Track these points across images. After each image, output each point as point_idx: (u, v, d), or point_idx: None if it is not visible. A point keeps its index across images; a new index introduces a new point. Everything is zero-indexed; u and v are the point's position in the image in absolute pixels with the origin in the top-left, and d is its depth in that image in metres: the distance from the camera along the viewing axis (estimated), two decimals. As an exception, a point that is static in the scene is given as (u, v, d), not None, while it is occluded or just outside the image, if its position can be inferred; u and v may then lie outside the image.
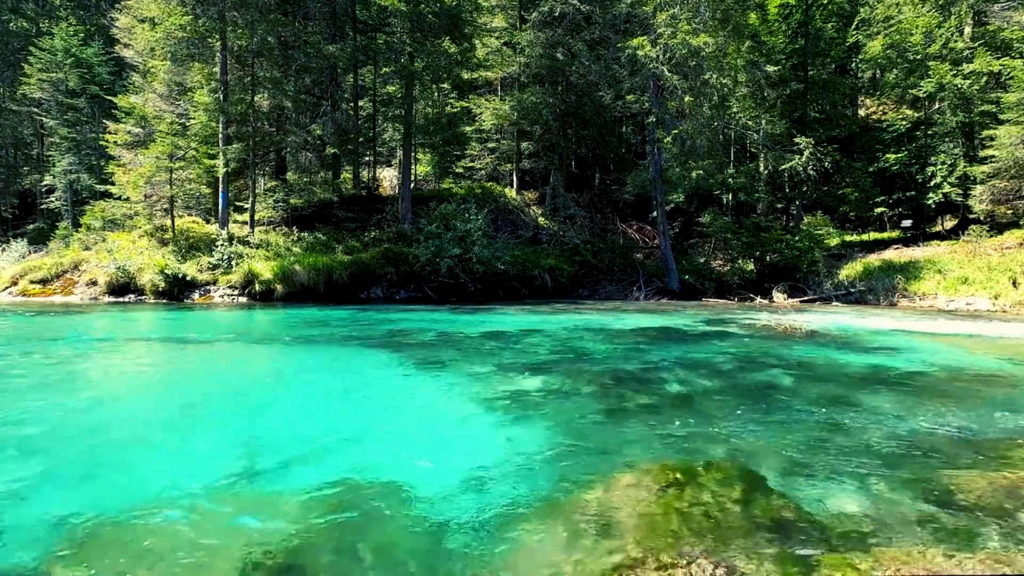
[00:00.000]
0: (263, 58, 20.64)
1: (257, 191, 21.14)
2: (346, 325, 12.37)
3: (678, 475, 3.93)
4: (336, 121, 21.74)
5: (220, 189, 20.01)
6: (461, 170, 27.59)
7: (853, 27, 24.36)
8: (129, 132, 20.96)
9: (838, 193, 24.41)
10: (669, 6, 19.55)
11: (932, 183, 21.45)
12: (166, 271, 17.43)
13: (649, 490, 3.69)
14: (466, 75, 24.42)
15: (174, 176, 19.86)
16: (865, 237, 24.60)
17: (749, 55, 20.93)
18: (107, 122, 23.26)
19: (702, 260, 23.77)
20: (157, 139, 19.27)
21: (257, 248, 19.13)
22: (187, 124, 20.25)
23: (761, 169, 23.74)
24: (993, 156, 19.23)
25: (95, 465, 4.22)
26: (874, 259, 20.28)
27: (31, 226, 29.46)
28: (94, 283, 18.09)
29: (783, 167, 21.58)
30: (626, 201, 26.57)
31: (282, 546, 3.00)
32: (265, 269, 17.60)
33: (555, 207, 25.43)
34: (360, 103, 23.62)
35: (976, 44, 21.00)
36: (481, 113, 24.90)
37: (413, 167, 25.65)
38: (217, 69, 19.87)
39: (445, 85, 23.96)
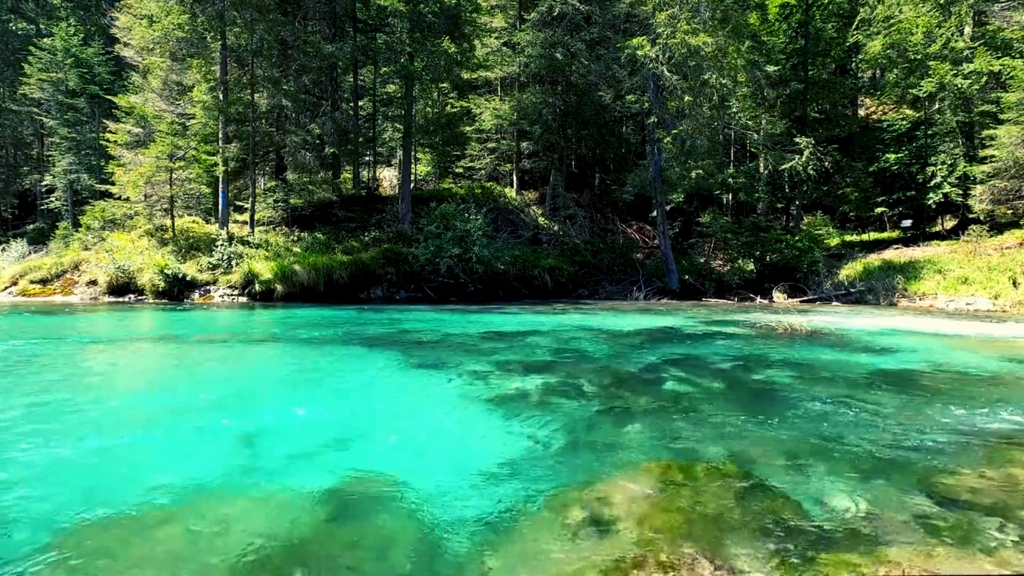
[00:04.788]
0: (262, 57, 20.64)
1: (257, 191, 21.14)
2: (346, 325, 12.37)
3: (678, 475, 3.93)
4: (336, 121, 21.73)
5: (220, 189, 20.01)
6: (461, 170, 27.59)
7: (853, 27, 24.36)
8: (129, 132, 20.95)
9: (838, 193, 24.41)
10: (668, 6, 19.55)
11: (932, 183, 21.45)
12: (166, 271, 17.42)
13: (649, 490, 3.69)
14: (466, 75, 24.42)
15: (174, 176, 19.86)
16: (865, 237, 24.60)
17: (749, 55, 20.92)
18: (107, 122, 23.27)
19: (702, 260, 23.76)
20: (157, 139, 19.26)
21: (257, 248, 19.13)
22: (187, 124, 20.24)
23: (761, 169, 23.73)
24: (993, 156, 19.23)
25: (96, 462, 4.21)
26: (874, 259, 20.27)
27: (31, 226, 29.46)
28: (94, 283, 18.09)
29: (783, 167, 21.57)
30: (626, 201, 26.57)
31: (282, 545, 3.00)
32: (265, 269, 17.60)
33: (555, 207, 25.43)
34: (360, 103, 23.62)
35: (976, 44, 21.00)
36: (481, 113, 24.90)
37: (413, 167, 25.65)
38: (216, 67, 19.87)
39: (445, 85, 23.97)
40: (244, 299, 17.39)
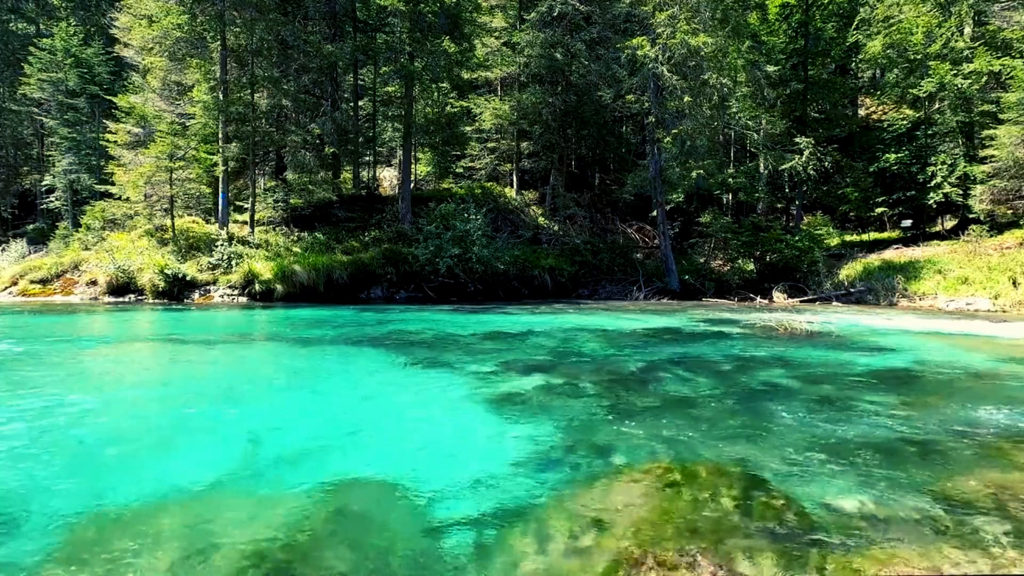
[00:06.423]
0: (262, 57, 20.63)
1: (257, 191, 21.14)
2: (346, 325, 12.37)
3: (678, 475, 3.93)
4: (336, 121, 21.72)
5: (220, 189, 20.01)
6: (461, 170, 27.59)
7: (853, 27, 24.35)
8: (129, 132, 20.96)
9: (838, 193, 24.40)
10: (668, 6, 19.55)
11: (932, 183, 21.44)
12: (166, 271, 17.42)
13: (649, 490, 3.69)
14: (466, 75, 24.42)
15: (174, 176, 19.85)
16: (865, 237, 24.59)
17: (749, 55, 20.93)
18: (107, 122, 23.27)
19: (702, 260, 23.76)
20: (157, 139, 19.27)
21: (257, 248, 19.12)
22: (187, 124, 20.24)
23: (761, 169, 23.74)
24: (993, 156, 19.23)
25: (94, 465, 4.21)
26: (874, 259, 20.27)
27: (31, 226, 29.43)
28: (94, 283, 18.08)
29: (783, 167, 21.58)
30: (626, 201, 26.58)
31: (281, 545, 2.99)
32: (265, 269, 17.59)
33: (555, 207, 25.43)
34: (360, 103, 23.62)
35: (976, 44, 21.00)
36: (481, 113, 24.90)
37: (413, 167, 25.65)
38: (216, 67, 19.87)
39: (445, 85, 23.97)
40: (244, 299, 17.39)
